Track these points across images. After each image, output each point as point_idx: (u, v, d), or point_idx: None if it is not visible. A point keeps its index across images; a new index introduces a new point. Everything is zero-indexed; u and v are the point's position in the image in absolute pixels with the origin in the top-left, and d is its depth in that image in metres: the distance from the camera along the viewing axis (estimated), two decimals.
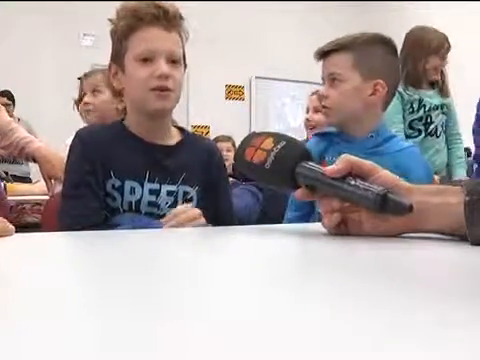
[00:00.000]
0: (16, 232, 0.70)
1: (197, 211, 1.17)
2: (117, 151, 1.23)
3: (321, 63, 1.49)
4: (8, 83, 5.23)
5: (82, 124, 2.06)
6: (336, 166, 0.68)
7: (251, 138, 0.76)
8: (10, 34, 5.74)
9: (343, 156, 0.69)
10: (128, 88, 1.26)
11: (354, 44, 1.43)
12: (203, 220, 1.16)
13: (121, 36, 1.23)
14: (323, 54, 1.47)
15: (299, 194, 0.71)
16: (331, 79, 1.45)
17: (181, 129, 1.35)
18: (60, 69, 5.96)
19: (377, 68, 1.45)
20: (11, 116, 5.43)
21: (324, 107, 1.47)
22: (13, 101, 5.23)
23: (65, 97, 5.84)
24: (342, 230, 0.69)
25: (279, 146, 0.72)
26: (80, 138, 1.25)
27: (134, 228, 1.01)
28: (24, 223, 2.70)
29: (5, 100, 5.18)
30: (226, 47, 6.49)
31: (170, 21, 1.22)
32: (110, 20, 1.26)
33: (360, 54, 1.43)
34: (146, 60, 1.21)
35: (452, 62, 2.80)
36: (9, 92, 5.17)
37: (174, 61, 1.23)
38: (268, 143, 0.73)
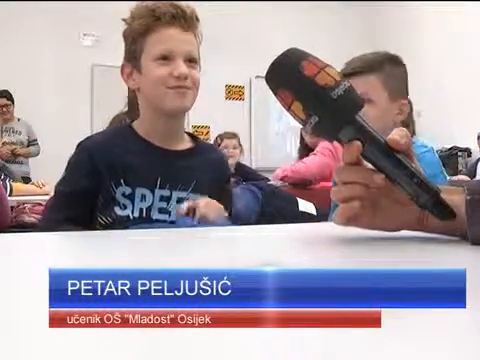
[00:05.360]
0: (16, 232, 0.70)
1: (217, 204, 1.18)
2: (127, 158, 1.20)
3: None
4: (8, 83, 5.23)
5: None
6: (401, 138, 0.60)
7: (303, 53, 0.62)
8: (10, 34, 5.74)
9: (403, 129, 0.63)
10: (145, 87, 1.23)
11: (380, 65, 1.45)
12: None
13: (137, 36, 1.21)
14: (347, 74, 1.43)
15: (356, 146, 0.60)
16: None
17: (192, 136, 1.34)
18: (60, 69, 5.96)
19: (400, 88, 1.48)
20: (11, 116, 5.47)
21: None
22: (13, 101, 5.24)
23: (65, 97, 5.87)
24: (351, 223, 0.64)
25: (347, 83, 0.60)
26: (86, 150, 1.22)
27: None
28: (24, 223, 2.70)
29: (5, 100, 5.19)
30: (226, 47, 6.49)
31: (187, 21, 1.21)
32: (124, 20, 1.24)
33: (386, 75, 1.45)
34: (164, 59, 1.19)
35: (452, 59, 2.80)
36: (9, 92, 5.17)
37: (191, 60, 1.21)
38: (333, 72, 0.60)
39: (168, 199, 1.20)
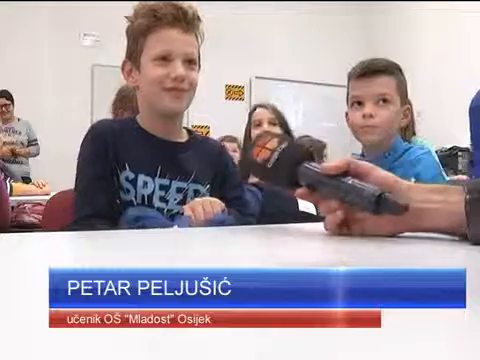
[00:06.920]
0: (16, 232, 0.70)
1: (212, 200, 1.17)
2: (130, 144, 1.24)
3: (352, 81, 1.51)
4: (8, 83, 5.23)
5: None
6: (333, 163, 0.69)
7: (259, 138, 0.78)
8: (10, 34, 5.74)
9: (343, 158, 0.71)
10: (142, 86, 1.26)
11: (395, 69, 1.50)
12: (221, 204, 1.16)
13: (138, 34, 1.23)
14: (364, 74, 1.47)
15: (299, 193, 0.73)
16: (378, 99, 1.47)
17: (188, 130, 1.37)
18: (60, 69, 5.96)
19: (406, 94, 1.53)
20: (11, 116, 5.47)
21: (368, 126, 1.45)
22: (12, 101, 5.24)
23: (65, 97, 5.87)
24: (344, 231, 0.69)
25: (283, 146, 0.74)
26: (94, 132, 1.25)
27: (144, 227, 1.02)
28: (24, 223, 2.70)
29: (5, 100, 5.20)
30: (226, 47, 6.49)
31: (188, 22, 1.22)
32: (127, 17, 1.26)
33: (399, 80, 1.51)
34: (163, 59, 1.21)
35: (452, 58, 2.80)
36: (9, 92, 5.18)
37: (191, 61, 1.23)
38: (273, 143, 0.75)
39: (167, 188, 1.23)
